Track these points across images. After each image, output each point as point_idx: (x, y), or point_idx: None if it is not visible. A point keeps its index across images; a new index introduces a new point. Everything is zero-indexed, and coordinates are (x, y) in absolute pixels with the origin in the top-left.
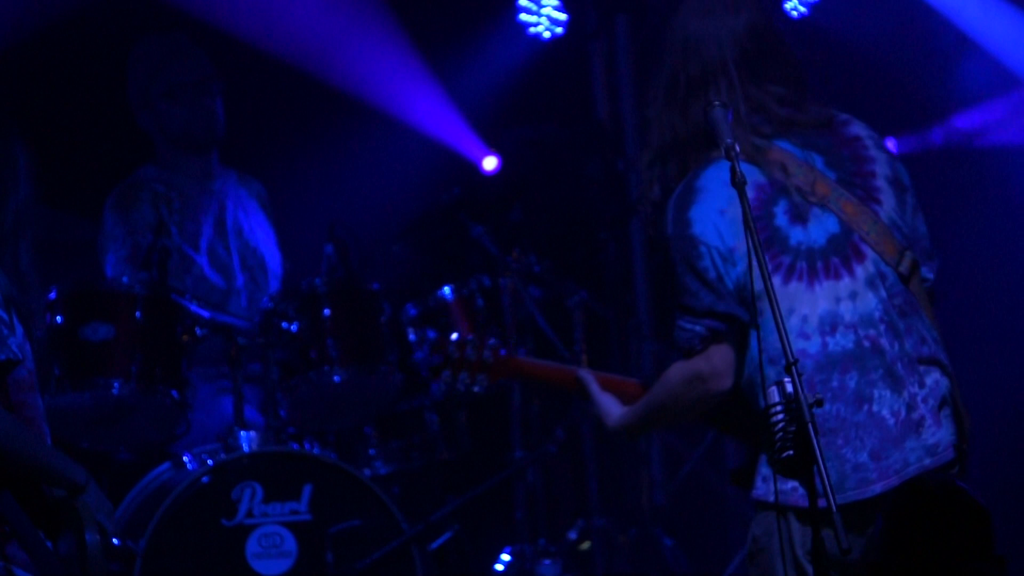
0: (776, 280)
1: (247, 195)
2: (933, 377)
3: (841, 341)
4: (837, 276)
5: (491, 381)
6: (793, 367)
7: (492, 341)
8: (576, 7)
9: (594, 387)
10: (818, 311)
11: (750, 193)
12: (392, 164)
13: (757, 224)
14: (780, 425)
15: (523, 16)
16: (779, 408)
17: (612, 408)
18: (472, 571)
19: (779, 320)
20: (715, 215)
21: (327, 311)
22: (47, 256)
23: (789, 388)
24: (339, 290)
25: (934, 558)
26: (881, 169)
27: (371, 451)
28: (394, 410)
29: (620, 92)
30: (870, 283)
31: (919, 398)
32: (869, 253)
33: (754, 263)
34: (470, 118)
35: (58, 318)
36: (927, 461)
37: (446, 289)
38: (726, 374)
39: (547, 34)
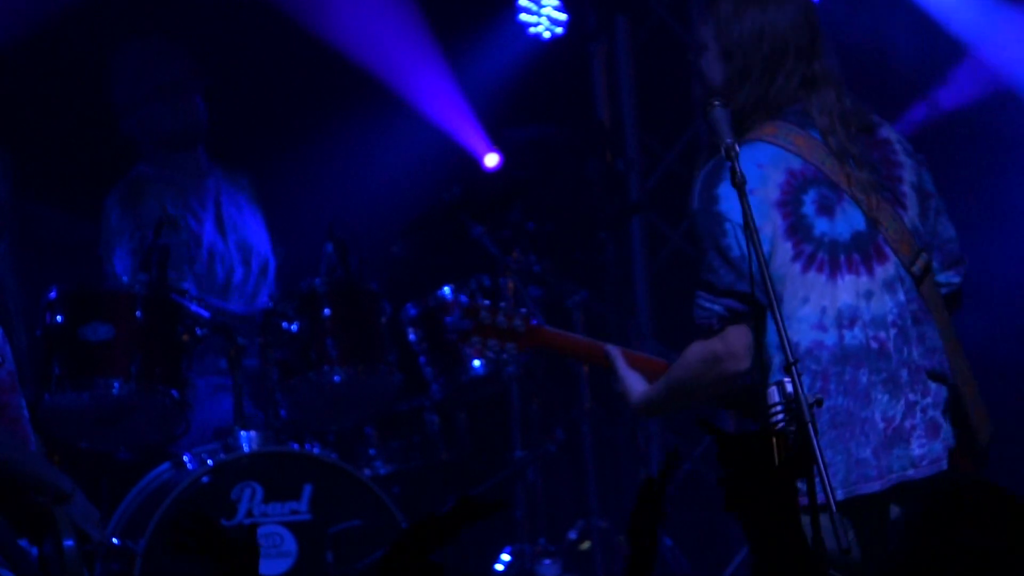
0: (795, 267)
1: (235, 189)
2: (937, 387)
3: (858, 336)
4: (857, 272)
5: (520, 350)
6: (793, 367)
7: (523, 310)
8: (576, 7)
9: (620, 363)
10: (838, 304)
11: (782, 177)
12: (393, 160)
13: (784, 209)
14: (780, 425)
15: (523, 16)
16: (779, 408)
17: (636, 385)
18: (472, 571)
19: (779, 319)
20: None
21: (327, 311)
22: (47, 256)
23: (789, 388)
24: (339, 290)
25: (967, 558)
26: (907, 175)
27: (371, 451)
28: (394, 410)
29: (620, 92)
30: (888, 285)
31: (918, 407)
32: (891, 255)
33: (754, 264)
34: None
35: (58, 318)
36: (910, 472)
37: (446, 289)
38: (743, 356)
39: (547, 34)
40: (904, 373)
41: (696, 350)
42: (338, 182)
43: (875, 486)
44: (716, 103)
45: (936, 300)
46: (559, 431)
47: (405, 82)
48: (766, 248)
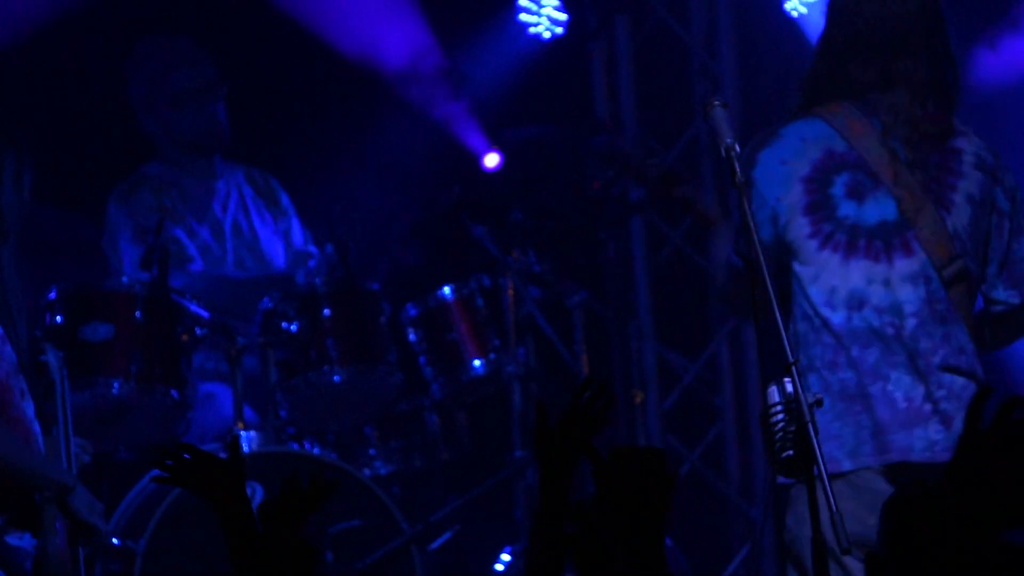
0: (812, 244)
1: (253, 194)
2: (960, 384)
3: (868, 317)
4: (876, 259)
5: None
6: (793, 367)
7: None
8: (576, 7)
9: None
10: (849, 285)
11: (818, 155)
12: (393, 160)
13: (809, 185)
14: (780, 425)
15: (523, 16)
16: (779, 408)
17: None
18: (472, 571)
19: (778, 315)
20: (776, 163)
21: (327, 311)
22: (47, 256)
23: (789, 388)
24: (339, 290)
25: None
26: (966, 185)
27: (371, 451)
28: (394, 410)
29: (620, 92)
30: (911, 279)
31: (935, 396)
32: (919, 252)
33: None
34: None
35: (58, 318)
36: (926, 455)
37: (446, 289)
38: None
39: (547, 34)
40: (921, 362)
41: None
42: (338, 182)
43: (872, 461)
44: (716, 102)
45: (966, 308)
46: None
47: (405, 82)
48: (783, 219)
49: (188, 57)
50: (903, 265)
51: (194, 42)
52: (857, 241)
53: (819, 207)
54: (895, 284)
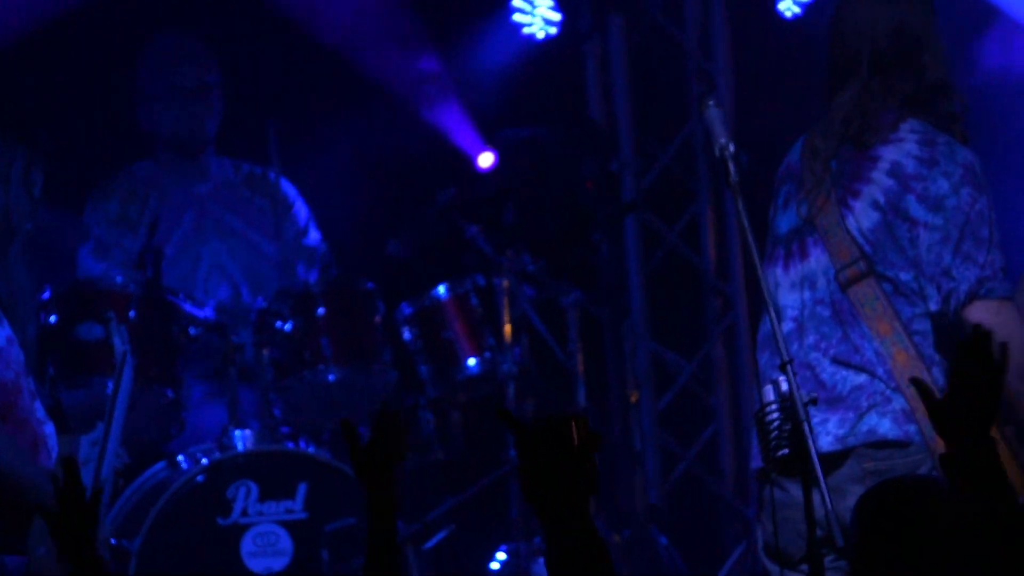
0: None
1: (249, 193)
2: (852, 381)
3: (768, 321)
4: (776, 265)
5: None
6: (788, 365)
7: None
8: (570, 7)
9: None
10: (765, 292)
11: (783, 167)
12: (387, 160)
13: (774, 199)
14: (775, 423)
15: (517, 16)
16: (774, 407)
17: None
18: (467, 570)
19: (773, 318)
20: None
21: (321, 310)
22: (46, 255)
23: (784, 387)
24: (333, 289)
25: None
26: (871, 191)
27: None
28: None
29: (614, 92)
30: (800, 283)
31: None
32: (815, 255)
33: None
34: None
35: (52, 317)
36: None
37: (441, 288)
38: None
39: (541, 34)
40: (795, 364)
41: None
42: (333, 182)
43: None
44: (711, 103)
45: (878, 309)
46: None
47: (399, 81)
48: (774, 211)
49: (187, 55)
50: (796, 271)
51: (196, 41)
52: (773, 249)
53: (772, 219)
54: (785, 289)
